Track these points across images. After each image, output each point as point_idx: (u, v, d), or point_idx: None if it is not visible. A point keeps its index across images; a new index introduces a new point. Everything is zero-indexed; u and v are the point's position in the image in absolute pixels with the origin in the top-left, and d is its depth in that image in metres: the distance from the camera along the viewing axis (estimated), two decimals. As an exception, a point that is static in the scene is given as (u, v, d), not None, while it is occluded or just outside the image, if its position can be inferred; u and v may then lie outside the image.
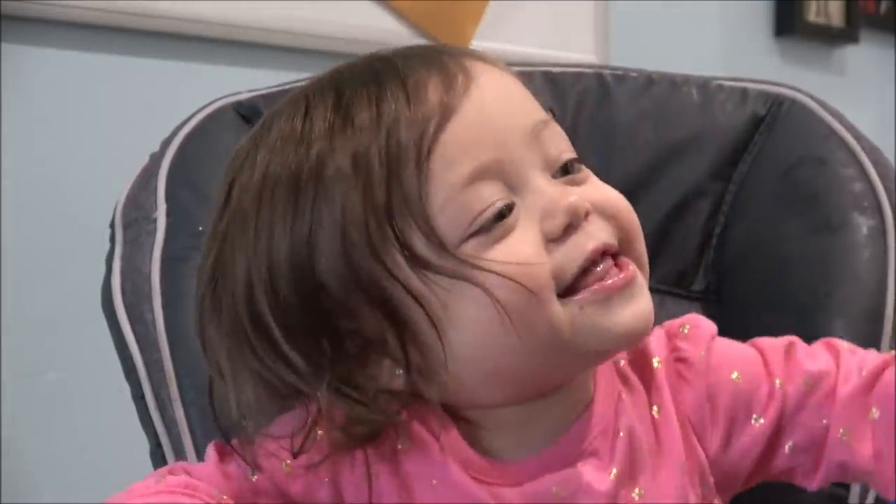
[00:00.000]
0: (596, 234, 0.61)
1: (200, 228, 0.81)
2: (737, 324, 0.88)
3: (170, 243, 0.81)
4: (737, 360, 0.68)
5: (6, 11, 1.34)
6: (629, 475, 0.64)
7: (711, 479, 0.67)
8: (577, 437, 0.64)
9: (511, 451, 0.63)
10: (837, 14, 2.18)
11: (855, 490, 0.80)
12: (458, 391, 0.62)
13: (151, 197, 0.83)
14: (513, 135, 0.61)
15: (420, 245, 0.58)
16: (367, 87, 0.61)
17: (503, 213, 0.59)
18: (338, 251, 0.59)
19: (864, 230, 0.85)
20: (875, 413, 0.64)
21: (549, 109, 0.94)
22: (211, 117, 0.88)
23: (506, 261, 0.58)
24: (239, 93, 0.91)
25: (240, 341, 0.61)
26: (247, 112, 0.90)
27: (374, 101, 0.60)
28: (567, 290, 0.60)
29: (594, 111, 0.95)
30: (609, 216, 0.62)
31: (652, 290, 0.93)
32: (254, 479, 0.62)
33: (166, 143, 0.87)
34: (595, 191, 0.63)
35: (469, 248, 0.59)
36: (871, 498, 0.80)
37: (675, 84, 0.96)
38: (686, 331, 0.69)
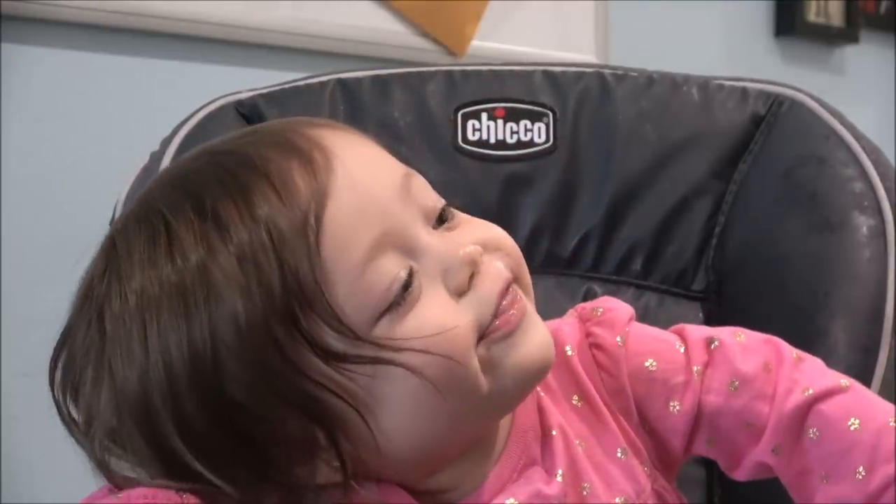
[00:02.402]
0: (495, 273, 0.60)
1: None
2: (737, 323, 0.88)
3: (170, 242, 0.81)
4: (652, 348, 0.67)
5: (6, 11, 1.34)
6: (573, 472, 0.64)
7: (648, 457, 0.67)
8: (514, 454, 0.63)
9: (459, 493, 0.63)
10: (837, 14, 2.18)
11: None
12: (396, 468, 0.60)
13: (151, 196, 0.83)
14: (390, 199, 0.59)
15: (330, 339, 0.56)
16: (227, 189, 0.57)
17: (408, 283, 0.57)
18: (243, 361, 0.55)
19: (864, 230, 0.85)
20: (813, 433, 0.64)
21: (551, 109, 0.95)
22: (211, 116, 0.88)
23: (423, 334, 0.56)
24: (239, 92, 0.91)
25: (148, 460, 0.57)
26: (247, 111, 0.90)
27: (241, 204, 0.56)
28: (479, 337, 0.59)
29: (595, 110, 0.95)
30: (494, 250, 0.61)
31: (652, 289, 0.94)
32: None
33: (166, 143, 0.87)
34: (474, 231, 0.62)
35: (381, 328, 0.57)
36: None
37: (675, 83, 0.96)
38: (599, 314, 0.68)
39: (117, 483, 0.59)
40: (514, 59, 1.03)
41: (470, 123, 0.93)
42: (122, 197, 0.85)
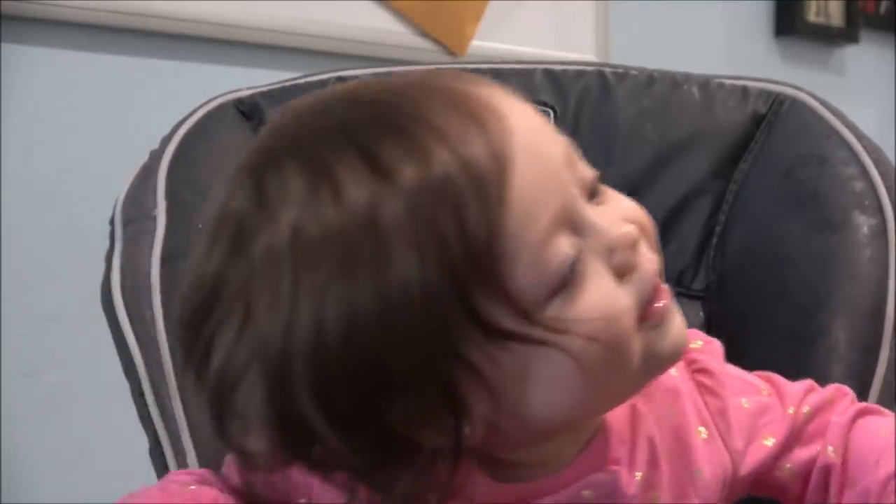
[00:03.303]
0: (649, 256, 0.58)
1: (201, 226, 0.81)
2: (737, 322, 0.88)
3: (169, 241, 0.81)
4: (744, 386, 0.69)
5: (6, 11, 1.34)
6: (649, 480, 0.63)
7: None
8: (599, 449, 0.62)
9: (536, 473, 0.61)
10: (837, 14, 2.19)
11: None
12: (508, 442, 0.58)
13: (151, 195, 0.83)
14: (562, 171, 0.55)
15: (499, 315, 0.52)
16: (393, 136, 0.52)
17: (576, 262, 0.54)
18: (406, 327, 0.51)
19: (865, 229, 0.85)
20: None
21: (552, 107, 0.95)
22: (211, 115, 0.88)
23: (592, 317, 0.54)
24: (239, 90, 0.91)
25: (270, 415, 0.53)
26: (247, 109, 0.90)
27: (417, 160, 0.51)
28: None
29: (595, 109, 0.95)
30: (649, 228, 0.60)
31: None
32: None
33: (166, 141, 0.87)
34: (619, 206, 0.58)
35: (552, 309, 0.53)
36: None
37: (676, 82, 0.96)
38: (700, 345, 0.69)
39: (233, 445, 0.55)
40: (514, 59, 1.03)
41: (470, 122, 0.93)
42: (122, 196, 0.85)
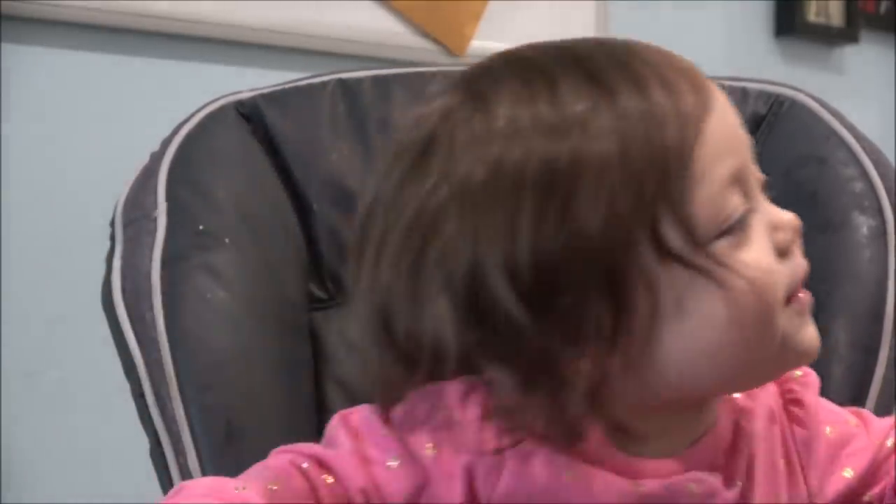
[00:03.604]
0: (801, 255, 0.63)
1: (201, 227, 0.82)
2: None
3: (170, 242, 0.81)
4: (831, 416, 0.70)
5: (6, 11, 1.35)
6: (745, 494, 0.65)
7: None
8: (703, 452, 0.64)
9: (650, 449, 0.63)
10: (837, 14, 2.19)
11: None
12: (637, 393, 0.61)
13: (151, 196, 0.83)
14: (745, 143, 0.62)
15: (674, 238, 0.57)
16: (621, 70, 0.59)
17: (745, 218, 0.60)
18: (589, 233, 0.56)
19: (865, 230, 0.85)
20: None
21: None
22: (212, 116, 0.88)
23: (750, 268, 0.58)
24: (240, 92, 0.91)
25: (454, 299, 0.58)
26: (247, 111, 0.90)
27: (633, 84, 0.58)
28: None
29: (595, 110, 0.95)
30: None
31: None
32: (394, 465, 0.61)
33: (167, 143, 0.87)
34: (777, 209, 0.64)
35: (718, 247, 0.58)
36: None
37: (675, 83, 0.95)
38: (798, 376, 0.70)
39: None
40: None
41: (470, 124, 0.93)
42: (123, 198, 0.85)
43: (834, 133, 0.90)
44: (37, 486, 1.36)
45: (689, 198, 0.58)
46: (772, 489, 0.66)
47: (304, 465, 0.61)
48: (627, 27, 1.89)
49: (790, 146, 0.91)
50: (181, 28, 1.49)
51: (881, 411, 0.78)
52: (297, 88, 0.92)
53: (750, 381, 0.65)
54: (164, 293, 0.79)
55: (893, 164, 0.90)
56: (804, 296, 0.62)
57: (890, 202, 0.86)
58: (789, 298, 0.61)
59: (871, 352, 0.82)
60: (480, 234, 0.57)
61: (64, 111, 1.41)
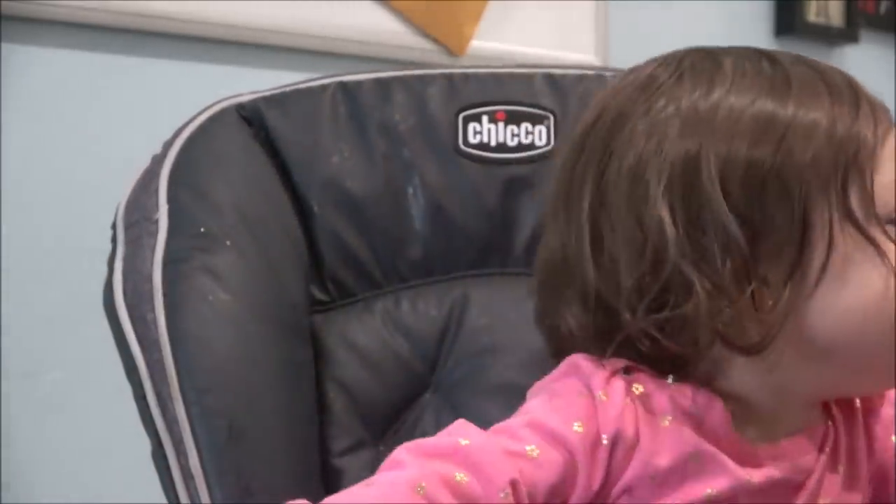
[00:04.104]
0: None
1: (203, 229, 0.82)
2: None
3: (171, 244, 0.81)
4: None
5: (6, 11, 1.35)
6: (846, 482, 0.71)
7: None
8: (803, 443, 0.70)
9: (757, 433, 0.69)
10: (837, 14, 2.18)
11: None
12: (783, 362, 0.67)
13: (153, 198, 0.83)
14: None
15: (857, 205, 0.66)
16: (845, 79, 0.70)
17: None
18: (797, 165, 0.65)
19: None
20: None
21: (551, 111, 0.95)
22: (213, 119, 0.88)
23: None
24: (241, 94, 0.91)
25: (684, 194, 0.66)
26: (248, 114, 0.90)
27: (853, 92, 0.69)
28: None
29: (595, 113, 0.95)
30: None
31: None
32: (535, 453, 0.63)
33: (168, 145, 0.87)
34: None
35: (889, 229, 0.66)
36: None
37: (675, 85, 0.96)
38: None
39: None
40: (514, 59, 1.03)
41: (471, 126, 0.93)
42: (124, 200, 0.85)
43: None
44: (37, 486, 1.36)
45: (872, 179, 0.66)
46: (849, 486, 0.72)
47: None
48: (627, 27, 1.89)
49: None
50: (181, 28, 1.49)
51: None
52: (298, 91, 0.92)
53: (873, 381, 0.70)
54: (165, 295, 0.79)
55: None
56: None
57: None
58: None
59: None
60: (702, 132, 0.66)
61: (64, 111, 1.41)
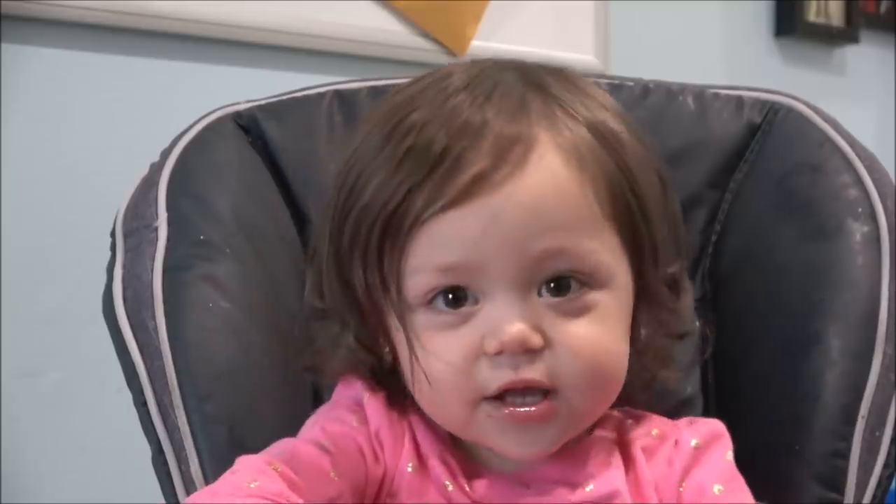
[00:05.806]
0: (520, 371, 0.65)
1: (202, 237, 0.82)
2: (732, 331, 0.89)
3: (171, 252, 0.81)
4: None
5: (6, 11, 1.35)
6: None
7: None
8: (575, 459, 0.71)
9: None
10: (837, 14, 2.19)
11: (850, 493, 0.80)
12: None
13: (152, 206, 0.84)
14: (503, 250, 0.64)
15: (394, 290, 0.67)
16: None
17: (451, 302, 0.66)
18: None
19: (858, 237, 0.85)
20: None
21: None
22: (210, 128, 0.89)
23: (439, 354, 0.66)
24: (237, 103, 0.91)
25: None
26: (245, 123, 0.91)
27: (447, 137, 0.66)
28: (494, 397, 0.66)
29: (591, 120, 0.95)
30: (573, 354, 0.66)
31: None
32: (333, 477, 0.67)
33: (166, 154, 0.87)
34: (570, 328, 0.66)
35: (420, 316, 0.67)
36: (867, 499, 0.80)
37: (671, 93, 0.96)
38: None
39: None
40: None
41: (467, 133, 0.93)
42: (123, 208, 0.85)
43: (828, 140, 0.90)
44: (37, 486, 1.36)
45: (404, 261, 0.65)
46: None
47: None
48: (627, 27, 1.89)
49: (784, 155, 0.91)
50: (181, 28, 1.49)
51: (876, 418, 0.79)
52: (295, 100, 0.93)
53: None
54: (165, 302, 0.79)
55: (893, 164, 0.90)
56: (512, 413, 0.66)
57: (884, 208, 0.86)
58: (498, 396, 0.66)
59: (865, 358, 0.81)
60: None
61: (64, 111, 1.41)
